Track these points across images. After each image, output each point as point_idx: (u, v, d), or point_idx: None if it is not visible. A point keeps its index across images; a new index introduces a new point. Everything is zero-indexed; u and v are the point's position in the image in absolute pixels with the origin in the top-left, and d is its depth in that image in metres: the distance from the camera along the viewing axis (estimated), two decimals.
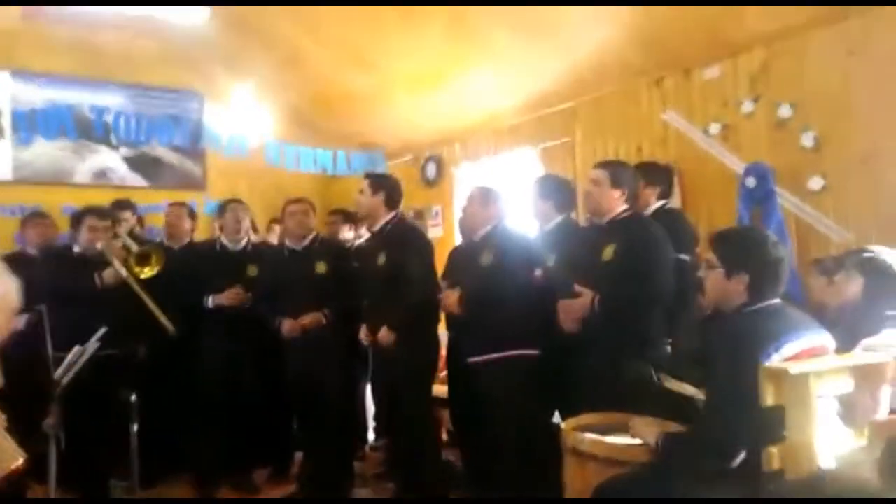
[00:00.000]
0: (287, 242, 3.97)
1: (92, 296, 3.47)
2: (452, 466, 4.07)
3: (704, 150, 3.93)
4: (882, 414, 1.94)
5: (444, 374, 3.95)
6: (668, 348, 3.09)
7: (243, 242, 4.09)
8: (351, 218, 4.32)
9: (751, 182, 3.58)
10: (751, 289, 2.07)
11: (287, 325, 3.71)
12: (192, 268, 3.99)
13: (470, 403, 3.48)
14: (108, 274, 3.54)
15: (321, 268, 3.81)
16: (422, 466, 3.49)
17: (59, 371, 2.81)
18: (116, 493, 3.77)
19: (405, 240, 3.53)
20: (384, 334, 3.40)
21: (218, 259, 4.00)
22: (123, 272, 3.51)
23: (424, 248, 3.61)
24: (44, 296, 3.34)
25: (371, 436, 4.76)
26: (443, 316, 3.71)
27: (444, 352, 3.93)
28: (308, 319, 3.68)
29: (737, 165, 3.74)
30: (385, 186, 3.56)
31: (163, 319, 3.52)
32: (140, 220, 4.69)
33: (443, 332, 3.87)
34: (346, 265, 3.96)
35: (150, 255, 3.68)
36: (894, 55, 3.14)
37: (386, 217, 3.55)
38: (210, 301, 3.86)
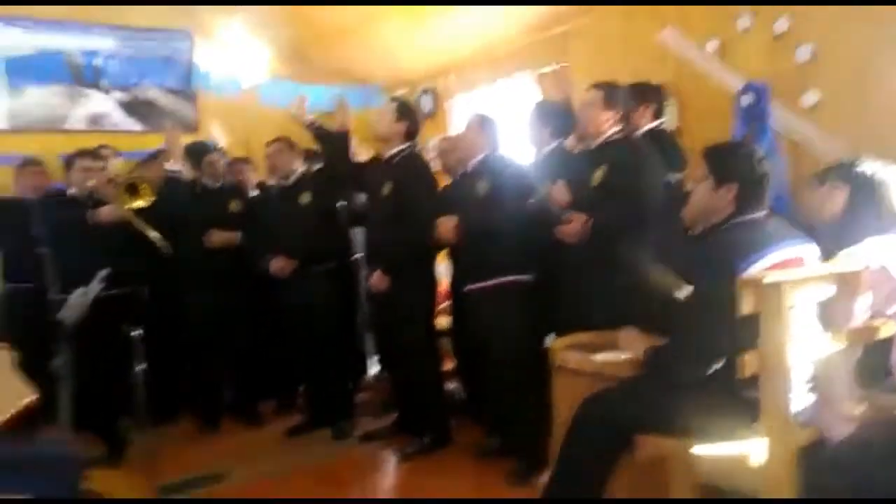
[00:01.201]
0: (274, 181, 4.02)
1: (93, 237, 3.53)
2: (454, 395, 4.19)
3: (702, 68, 3.86)
4: (858, 320, 1.96)
5: (446, 304, 4.02)
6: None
7: (221, 181, 4.16)
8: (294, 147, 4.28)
9: (746, 100, 3.51)
10: (738, 199, 2.09)
11: (278, 263, 3.78)
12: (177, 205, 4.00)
13: (469, 331, 3.55)
14: (104, 211, 3.59)
15: (305, 198, 3.85)
16: (422, 398, 3.58)
17: (63, 312, 2.89)
18: (128, 429, 3.93)
19: (414, 172, 3.51)
20: (377, 279, 3.44)
21: (199, 197, 4.03)
22: (117, 206, 3.59)
23: (431, 183, 3.60)
24: (45, 239, 3.43)
25: (373, 367, 4.88)
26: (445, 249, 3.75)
27: (446, 283, 4.00)
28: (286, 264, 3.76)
29: (734, 84, 3.66)
30: (409, 117, 3.56)
31: (157, 239, 3.62)
32: (136, 165, 4.72)
33: (446, 263, 3.92)
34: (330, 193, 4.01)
35: (138, 186, 3.74)
36: None
37: (400, 146, 3.53)
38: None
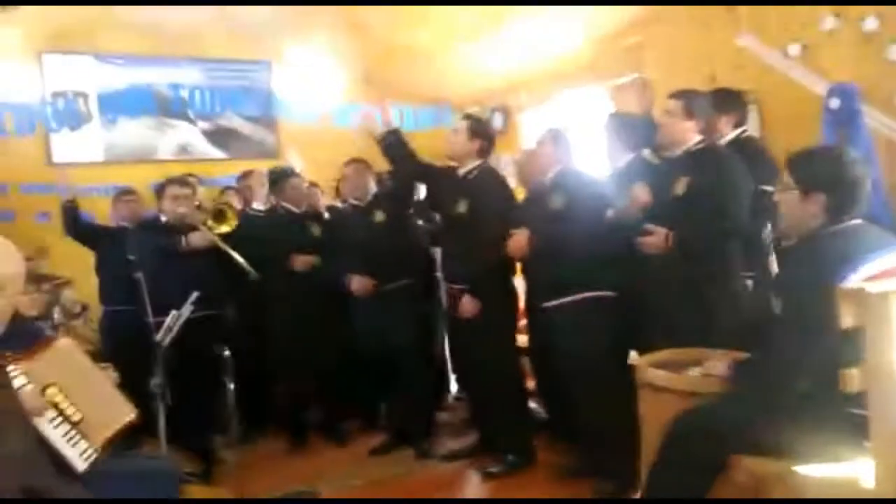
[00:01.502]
0: (350, 200, 4.11)
1: (183, 262, 3.69)
2: (536, 415, 4.14)
3: (784, 73, 3.72)
4: None
5: (524, 322, 3.98)
6: (750, 283, 3.01)
7: (304, 206, 4.27)
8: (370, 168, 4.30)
9: (834, 103, 3.36)
10: (828, 209, 1.99)
11: (357, 283, 3.84)
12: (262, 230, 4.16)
13: (548, 349, 3.51)
14: (194, 237, 3.75)
15: (379, 217, 3.91)
16: (505, 417, 3.55)
17: (160, 334, 3.02)
18: (219, 447, 4.07)
19: (491, 190, 3.51)
20: (468, 304, 3.40)
21: (282, 222, 4.15)
22: (209, 233, 3.74)
23: (509, 201, 3.59)
24: (140, 264, 3.61)
25: (454, 386, 4.88)
26: (519, 265, 3.73)
27: (522, 301, 3.97)
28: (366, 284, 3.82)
29: (820, 88, 3.52)
30: (483, 135, 3.56)
31: (244, 265, 3.72)
32: (221, 192, 4.94)
33: (520, 279, 3.90)
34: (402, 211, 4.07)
35: (225, 212, 3.92)
36: None
37: (474, 163, 3.54)
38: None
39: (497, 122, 5.59)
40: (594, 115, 4.63)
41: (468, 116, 3.74)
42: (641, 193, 2.94)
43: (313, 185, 4.80)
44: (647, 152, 3.31)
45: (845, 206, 2.00)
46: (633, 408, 2.55)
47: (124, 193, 4.40)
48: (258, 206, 4.15)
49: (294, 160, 4.92)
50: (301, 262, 4.05)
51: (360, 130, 3.94)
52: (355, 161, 4.04)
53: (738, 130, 3.22)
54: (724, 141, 3.15)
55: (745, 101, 3.33)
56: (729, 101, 3.23)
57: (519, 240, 3.25)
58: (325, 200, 4.72)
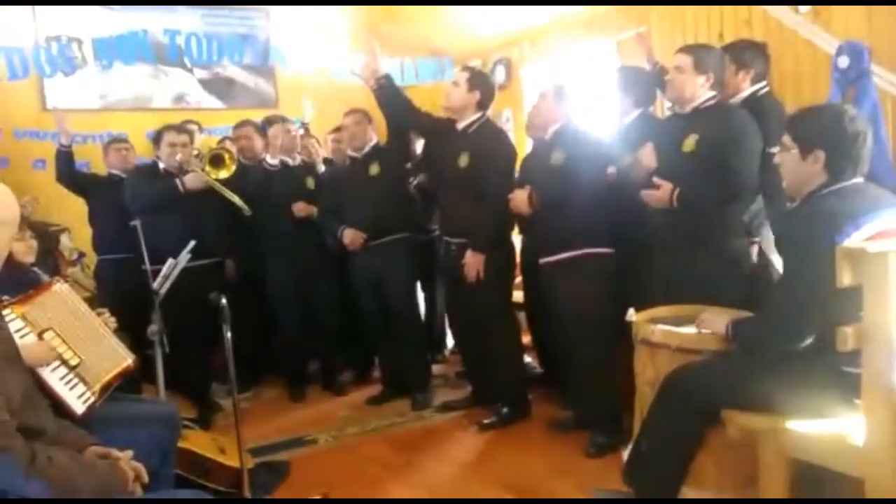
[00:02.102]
0: (348, 152, 4.05)
1: (181, 210, 3.69)
2: (531, 369, 4.18)
3: (793, 30, 3.64)
4: None
5: (519, 279, 3.99)
6: (756, 247, 3.00)
7: (299, 158, 4.23)
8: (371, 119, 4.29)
9: (843, 62, 3.29)
10: (828, 167, 1.98)
11: (349, 236, 3.83)
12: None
13: (544, 305, 3.52)
14: (189, 178, 3.75)
15: (374, 169, 3.88)
16: (501, 370, 3.59)
17: (157, 282, 3.03)
18: (217, 395, 4.12)
19: (492, 144, 3.46)
20: (472, 260, 3.40)
21: (276, 174, 4.10)
22: (203, 174, 3.74)
23: (510, 155, 3.54)
24: (137, 211, 3.60)
25: (450, 339, 4.92)
26: (517, 221, 3.72)
27: (518, 256, 3.96)
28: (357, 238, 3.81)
29: (829, 45, 3.45)
30: (482, 85, 3.49)
31: (238, 202, 3.75)
32: (220, 142, 4.87)
33: (517, 236, 3.89)
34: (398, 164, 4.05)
35: (223, 156, 3.92)
36: None
37: (473, 116, 3.49)
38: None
39: (499, 75, 5.50)
40: (599, 70, 4.55)
41: (467, 68, 3.67)
42: (647, 157, 2.91)
43: (310, 136, 4.75)
44: (652, 109, 3.26)
45: (846, 164, 1.98)
46: (629, 363, 2.58)
47: (116, 141, 4.33)
48: (273, 160, 4.07)
49: (307, 109, 4.85)
50: (301, 208, 4.04)
51: (352, 75, 3.85)
52: (354, 111, 3.98)
53: (756, 87, 3.10)
54: (739, 97, 3.06)
55: (766, 55, 3.19)
56: (747, 54, 3.11)
57: (521, 198, 3.22)
58: (323, 152, 4.67)
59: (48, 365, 2.05)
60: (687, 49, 2.89)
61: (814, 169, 2.01)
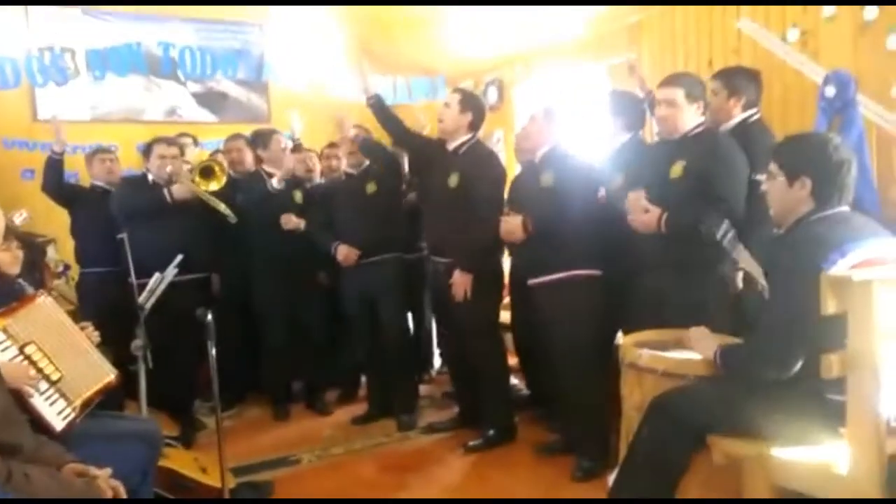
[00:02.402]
0: (344, 168, 4.06)
1: (167, 224, 3.65)
2: (517, 390, 4.16)
3: (781, 59, 3.69)
4: None
5: (507, 300, 3.99)
6: (741, 273, 3.00)
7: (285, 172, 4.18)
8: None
9: (830, 91, 3.33)
10: (814, 194, 2.00)
11: (343, 252, 3.82)
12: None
13: (532, 326, 3.52)
14: (176, 188, 3.72)
15: (371, 188, 3.88)
16: (487, 392, 3.57)
17: (143, 296, 3.00)
18: (201, 412, 4.07)
19: (483, 165, 3.48)
20: (460, 279, 3.39)
21: (265, 188, 4.08)
22: (188, 182, 3.73)
23: (500, 176, 3.56)
24: (124, 221, 3.57)
25: (437, 361, 4.90)
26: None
27: (506, 278, 3.96)
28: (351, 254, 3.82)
29: (816, 74, 3.50)
30: (474, 107, 3.50)
31: (224, 209, 3.74)
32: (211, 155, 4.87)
33: (506, 257, 3.89)
34: (393, 183, 4.03)
35: (213, 168, 3.89)
36: None
37: (464, 137, 3.51)
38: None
39: (491, 96, 5.54)
40: (591, 93, 4.60)
41: (459, 90, 3.70)
42: (638, 203, 2.88)
43: (309, 150, 4.76)
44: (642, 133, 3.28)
45: (831, 191, 2.01)
46: (615, 387, 2.57)
47: (100, 152, 4.22)
48: (279, 185, 4.09)
49: (295, 124, 4.86)
50: (288, 220, 4.02)
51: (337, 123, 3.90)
52: (357, 126, 3.98)
53: (747, 113, 3.12)
54: (730, 124, 3.09)
55: (758, 82, 3.21)
56: (738, 81, 3.13)
57: (513, 224, 3.20)
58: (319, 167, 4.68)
59: (28, 385, 2.02)
60: (674, 81, 2.89)
61: (800, 196, 2.03)
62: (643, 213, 2.80)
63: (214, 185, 3.84)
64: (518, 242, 3.30)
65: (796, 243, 2.01)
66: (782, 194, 2.07)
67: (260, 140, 4.29)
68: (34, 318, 2.22)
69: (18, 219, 4.01)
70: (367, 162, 3.96)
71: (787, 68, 3.65)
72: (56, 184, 4.04)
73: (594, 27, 4.69)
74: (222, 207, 3.75)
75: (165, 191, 3.72)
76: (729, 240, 2.32)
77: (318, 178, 4.51)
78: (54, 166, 4.00)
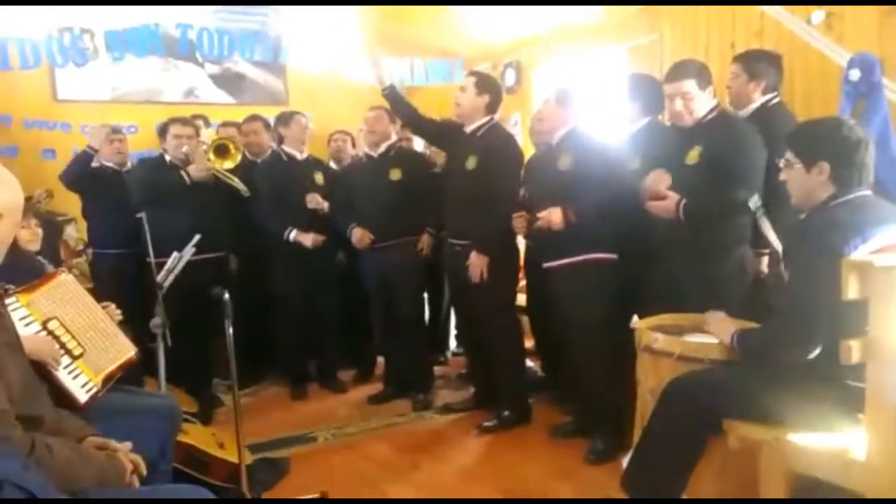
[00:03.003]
0: (365, 149, 4.05)
1: (185, 203, 3.68)
2: (532, 372, 4.17)
3: (805, 42, 3.63)
4: None
5: (523, 282, 3.99)
6: (766, 259, 2.98)
7: (306, 152, 4.23)
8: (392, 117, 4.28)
9: (854, 74, 3.27)
10: (833, 177, 1.98)
11: (357, 235, 3.82)
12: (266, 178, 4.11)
13: (548, 309, 3.51)
14: (193, 168, 3.74)
15: (395, 174, 3.87)
16: (503, 373, 3.58)
17: (161, 275, 3.03)
18: (219, 390, 4.12)
19: (501, 147, 3.46)
20: (476, 261, 3.40)
21: (286, 168, 4.11)
22: (203, 160, 3.76)
23: (518, 158, 3.55)
24: (143, 203, 3.60)
25: (453, 343, 4.92)
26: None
27: (522, 260, 3.96)
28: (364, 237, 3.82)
29: (841, 57, 3.43)
30: (490, 89, 3.49)
31: (238, 184, 3.78)
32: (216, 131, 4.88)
33: (522, 239, 3.88)
34: (421, 173, 4.01)
35: (228, 146, 3.91)
36: None
37: (482, 120, 3.49)
38: (292, 235, 4.00)
39: (509, 78, 5.49)
40: (610, 75, 4.55)
41: (474, 73, 3.68)
42: (657, 183, 2.87)
43: (343, 132, 4.76)
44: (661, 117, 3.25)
45: (851, 172, 1.99)
46: (631, 370, 2.57)
47: (111, 132, 4.18)
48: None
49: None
50: (314, 199, 4.04)
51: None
52: (378, 107, 3.96)
53: (767, 97, 3.08)
54: (750, 108, 3.06)
55: (779, 66, 3.17)
56: (758, 64, 3.10)
57: (555, 214, 3.10)
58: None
59: (52, 359, 2.05)
60: (682, 73, 2.84)
61: (819, 180, 2.01)
62: (660, 197, 2.78)
63: (230, 164, 3.86)
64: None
65: (817, 227, 1.99)
66: (801, 181, 2.05)
67: (281, 120, 4.29)
68: (56, 295, 2.25)
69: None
70: (388, 143, 3.94)
71: (811, 51, 3.58)
72: (79, 176, 3.95)
73: (614, 9, 4.62)
74: (237, 182, 3.77)
75: (183, 172, 3.74)
76: (761, 214, 2.30)
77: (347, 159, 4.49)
78: (85, 161, 3.92)
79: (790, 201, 2.19)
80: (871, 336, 1.73)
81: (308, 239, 3.96)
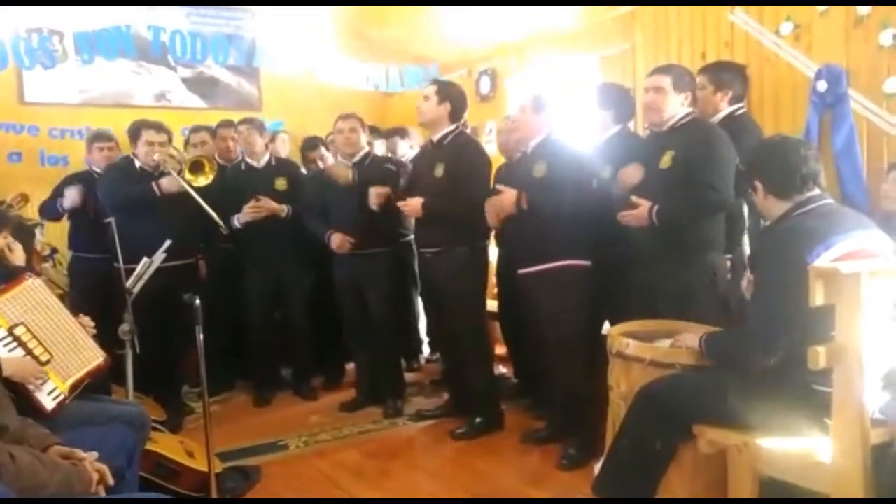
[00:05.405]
0: (338, 158, 4.03)
1: (156, 210, 3.62)
2: (505, 379, 4.18)
3: (774, 53, 3.70)
4: None
5: (496, 289, 4.00)
6: (728, 263, 3.02)
7: (266, 158, 4.18)
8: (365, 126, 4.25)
9: (822, 86, 3.36)
10: (771, 191, 2.10)
11: (337, 240, 3.80)
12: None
13: (521, 316, 3.52)
14: (165, 182, 3.67)
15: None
16: (474, 380, 3.57)
17: (130, 281, 2.98)
18: (188, 398, 4.06)
19: (466, 153, 3.47)
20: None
21: (244, 176, 4.09)
22: (180, 179, 3.65)
23: (485, 164, 3.56)
24: (110, 208, 3.55)
25: (426, 349, 4.91)
26: (494, 232, 3.73)
27: (494, 266, 3.97)
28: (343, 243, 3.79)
29: (809, 69, 3.51)
30: (452, 97, 3.49)
31: (215, 217, 3.68)
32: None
33: (494, 247, 3.89)
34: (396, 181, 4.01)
35: (204, 164, 3.83)
36: None
37: (447, 128, 3.50)
38: (236, 220, 3.97)
39: (484, 86, 5.52)
40: (583, 83, 4.59)
41: (436, 81, 3.69)
42: (633, 174, 2.92)
43: (319, 139, 4.75)
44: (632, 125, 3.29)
45: (782, 180, 2.07)
46: (603, 377, 2.58)
47: (100, 139, 4.21)
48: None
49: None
50: (267, 203, 3.98)
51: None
52: (349, 116, 3.92)
53: (734, 107, 3.16)
54: (717, 117, 3.11)
55: (744, 77, 3.26)
56: (725, 74, 3.17)
57: (507, 197, 3.15)
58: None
59: (35, 380, 2.01)
60: (664, 70, 2.92)
61: (764, 199, 2.12)
62: (632, 207, 2.82)
63: (203, 181, 3.77)
64: (505, 227, 3.30)
65: (781, 236, 2.04)
66: (760, 203, 2.18)
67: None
68: (23, 300, 2.21)
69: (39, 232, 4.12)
70: (362, 153, 3.92)
71: (779, 62, 3.66)
72: (54, 217, 4.21)
73: (588, 18, 4.68)
74: (213, 214, 3.65)
75: (154, 184, 3.67)
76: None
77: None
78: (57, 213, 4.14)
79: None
80: (838, 341, 1.76)
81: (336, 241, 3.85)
